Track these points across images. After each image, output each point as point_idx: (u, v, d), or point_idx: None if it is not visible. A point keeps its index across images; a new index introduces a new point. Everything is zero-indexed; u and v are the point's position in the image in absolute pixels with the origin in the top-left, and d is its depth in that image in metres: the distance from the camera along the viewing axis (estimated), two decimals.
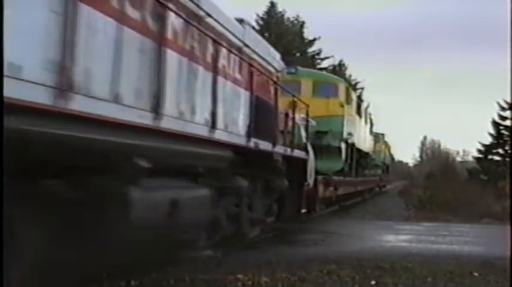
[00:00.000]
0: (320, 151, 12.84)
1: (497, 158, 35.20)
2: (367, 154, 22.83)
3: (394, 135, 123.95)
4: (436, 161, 53.21)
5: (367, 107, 26.32)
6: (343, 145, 15.42)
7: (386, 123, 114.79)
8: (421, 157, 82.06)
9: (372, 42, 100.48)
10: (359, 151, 19.53)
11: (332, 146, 14.72)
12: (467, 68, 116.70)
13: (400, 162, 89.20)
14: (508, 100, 33.99)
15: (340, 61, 45.10)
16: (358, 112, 20.03)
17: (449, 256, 8.57)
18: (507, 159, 33.04)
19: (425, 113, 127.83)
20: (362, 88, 46.72)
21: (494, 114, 35.40)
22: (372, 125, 28.10)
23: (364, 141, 21.50)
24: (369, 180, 24.68)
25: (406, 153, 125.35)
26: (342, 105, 15.62)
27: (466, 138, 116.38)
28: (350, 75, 45.20)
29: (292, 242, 9.77)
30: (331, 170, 14.57)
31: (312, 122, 12.57)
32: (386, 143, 39.67)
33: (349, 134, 16.39)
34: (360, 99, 27.82)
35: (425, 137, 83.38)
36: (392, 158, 61.27)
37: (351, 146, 17.24)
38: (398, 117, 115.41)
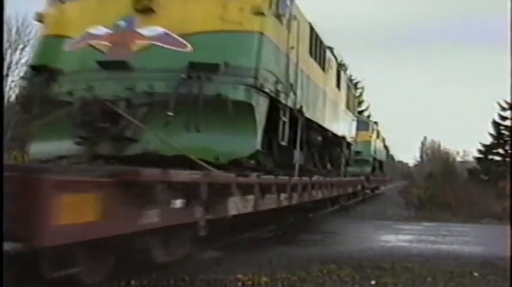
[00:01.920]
0: (195, 108, 6.32)
1: (497, 158, 35.23)
2: (342, 140, 14.73)
3: (394, 136, 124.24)
4: (436, 161, 53.18)
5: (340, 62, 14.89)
6: (257, 99, 6.86)
7: (386, 123, 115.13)
8: (421, 157, 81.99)
9: (371, 41, 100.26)
10: (321, 129, 11.25)
11: (227, 98, 6.45)
12: (467, 67, 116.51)
13: (401, 162, 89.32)
14: (508, 100, 34.07)
15: (341, 61, 45.02)
16: (316, 55, 10.63)
17: (450, 256, 8.57)
18: (507, 159, 33.06)
19: (426, 113, 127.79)
20: (362, 88, 46.66)
21: (494, 114, 35.50)
22: (353, 98, 18.76)
23: (333, 117, 12.80)
24: (340, 181, 14.61)
25: (407, 153, 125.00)
26: (260, 13, 6.99)
27: (466, 139, 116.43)
28: (351, 75, 45.13)
29: (292, 242, 9.76)
30: (230, 156, 6.71)
31: (186, 46, 6.61)
32: (379, 134, 31.33)
33: (282, 82, 7.74)
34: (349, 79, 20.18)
35: (425, 138, 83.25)
36: (393, 158, 60.91)
37: (291, 111, 8.37)
38: (399, 117, 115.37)
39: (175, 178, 4.99)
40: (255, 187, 7.05)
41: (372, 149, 27.42)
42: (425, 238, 11.27)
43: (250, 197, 6.93)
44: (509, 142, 34.11)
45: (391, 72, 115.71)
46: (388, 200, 27.24)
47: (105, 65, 6.68)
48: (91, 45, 6.89)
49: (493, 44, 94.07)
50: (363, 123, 24.35)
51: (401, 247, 9.74)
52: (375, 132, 28.96)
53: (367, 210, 19.33)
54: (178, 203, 5.18)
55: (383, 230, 12.84)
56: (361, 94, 45.07)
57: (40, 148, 7.25)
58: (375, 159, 29.03)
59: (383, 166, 35.05)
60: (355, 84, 45.23)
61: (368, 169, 25.66)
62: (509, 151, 33.83)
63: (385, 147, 37.80)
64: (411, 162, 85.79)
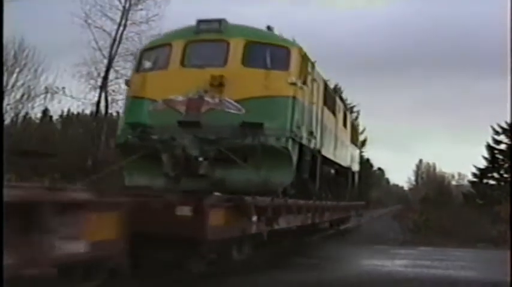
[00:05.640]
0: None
1: (492, 182, 35.27)
2: None
3: (390, 158, 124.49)
4: (432, 185, 53.21)
5: None
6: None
7: (382, 147, 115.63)
8: (416, 180, 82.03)
9: (363, 65, 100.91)
10: None
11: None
12: (457, 92, 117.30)
13: (396, 185, 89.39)
14: (502, 125, 34.31)
15: (336, 85, 45.40)
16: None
17: (446, 281, 8.51)
18: (502, 183, 33.13)
19: (421, 136, 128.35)
20: (358, 111, 46.87)
21: (488, 138, 35.66)
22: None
23: None
24: None
25: (401, 177, 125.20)
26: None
27: (462, 162, 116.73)
28: (346, 99, 45.40)
29: (287, 267, 9.66)
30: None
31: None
32: (334, 101, 14.06)
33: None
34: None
35: (420, 161, 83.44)
36: (388, 181, 60.52)
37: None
38: (394, 140, 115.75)
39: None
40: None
41: (297, 122, 9.38)
42: (422, 263, 11.19)
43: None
44: (504, 166, 34.21)
45: (383, 95, 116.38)
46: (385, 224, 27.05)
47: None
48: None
49: (486, 69, 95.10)
50: (271, 48, 9.51)
51: (398, 272, 9.66)
52: (316, 86, 10.95)
53: None
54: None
55: (379, 254, 12.75)
56: (356, 117, 45.30)
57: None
58: (312, 153, 10.63)
59: (355, 177, 19.26)
60: (351, 108, 45.51)
61: (282, 177, 9.02)
62: (504, 175, 33.91)
63: (355, 141, 19.59)
64: (406, 185, 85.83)
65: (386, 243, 16.20)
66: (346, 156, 16.66)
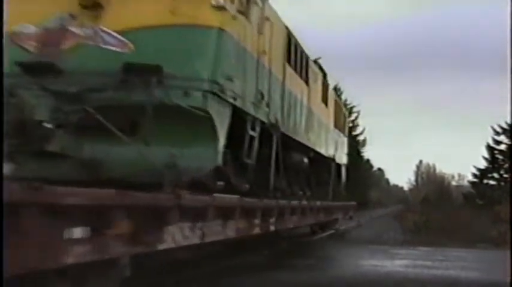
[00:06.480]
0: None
1: (492, 182, 35.26)
2: None
3: (390, 159, 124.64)
4: (432, 186, 53.19)
5: None
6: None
7: (382, 148, 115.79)
8: (416, 181, 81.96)
9: (363, 65, 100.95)
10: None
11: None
12: (458, 91, 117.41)
13: (396, 186, 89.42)
14: (503, 125, 34.27)
15: (336, 85, 45.34)
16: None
17: (446, 281, 8.43)
18: (502, 183, 33.10)
19: (421, 136, 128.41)
20: (358, 112, 46.81)
21: (488, 138, 35.66)
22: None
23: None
24: None
25: (401, 177, 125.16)
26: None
27: (462, 163, 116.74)
28: (346, 99, 45.37)
29: (285, 267, 9.59)
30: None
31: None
32: (320, 84, 11.96)
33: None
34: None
35: (420, 161, 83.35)
36: (388, 182, 60.26)
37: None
38: (394, 141, 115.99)
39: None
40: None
41: (227, 70, 5.94)
42: (422, 263, 11.11)
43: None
44: (504, 166, 34.19)
45: (384, 94, 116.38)
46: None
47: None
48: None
49: (487, 69, 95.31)
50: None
51: (398, 272, 9.59)
52: (269, 28, 7.55)
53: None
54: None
55: (379, 254, 12.67)
56: (356, 118, 45.26)
57: None
58: (262, 127, 7.28)
59: (342, 171, 16.54)
60: (351, 109, 45.50)
61: (199, 158, 5.52)
62: (504, 175, 33.88)
63: (341, 126, 16.39)
64: (406, 186, 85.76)
65: (386, 243, 16.12)
66: (328, 143, 13.02)
